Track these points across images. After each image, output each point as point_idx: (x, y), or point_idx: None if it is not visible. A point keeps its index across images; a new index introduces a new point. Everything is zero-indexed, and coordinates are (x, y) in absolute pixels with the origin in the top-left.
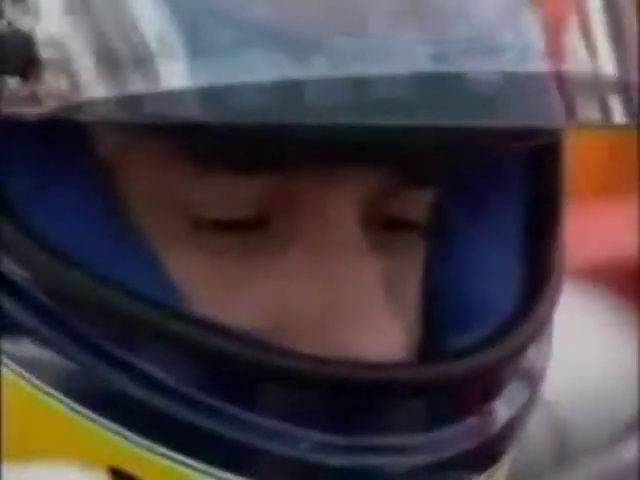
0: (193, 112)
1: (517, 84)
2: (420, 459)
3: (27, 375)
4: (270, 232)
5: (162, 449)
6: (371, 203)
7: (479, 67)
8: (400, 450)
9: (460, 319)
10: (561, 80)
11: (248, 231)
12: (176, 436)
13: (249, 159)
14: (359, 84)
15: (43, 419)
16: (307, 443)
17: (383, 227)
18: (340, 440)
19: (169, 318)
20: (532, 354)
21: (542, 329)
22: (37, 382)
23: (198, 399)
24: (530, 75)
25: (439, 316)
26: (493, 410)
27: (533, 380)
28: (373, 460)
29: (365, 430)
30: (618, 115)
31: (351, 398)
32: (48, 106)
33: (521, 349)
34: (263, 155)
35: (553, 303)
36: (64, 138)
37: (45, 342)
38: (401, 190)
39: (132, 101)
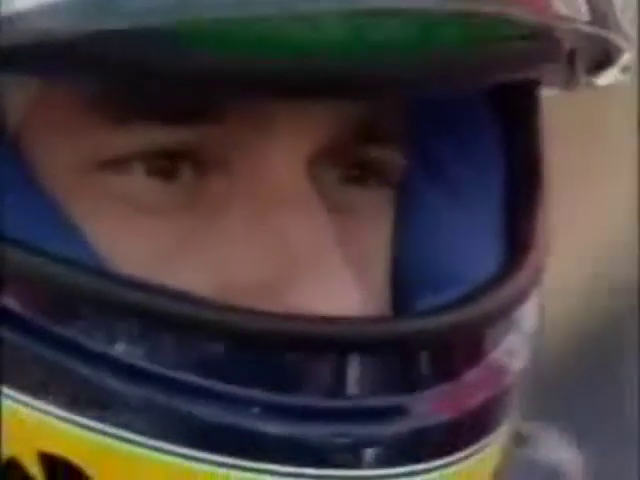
0: (78, 20)
1: None
2: (392, 428)
3: None
4: (208, 191)
5: (94, 423)
6: (322, 156)
7: None
8: (367, 415)
9: (430, 284)
10: None
11: (184, 191)
12: (107, 406)
13: (171, 104)
14: None
15: None
16: (256, 407)
17: (340, 182)
18: (291, 400)
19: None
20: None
21: (518, 301)
22: None
23: (135, 364)
24: None
25: (407, 282)
26: (465, 380)
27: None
28: (330, 428)
29: (319, 391)
30: None
31: (303, 355)
32: None
33: (494, 315)
34: (186, 98)
35: (533, 278)
36: None
37: None
38: (355, 142)
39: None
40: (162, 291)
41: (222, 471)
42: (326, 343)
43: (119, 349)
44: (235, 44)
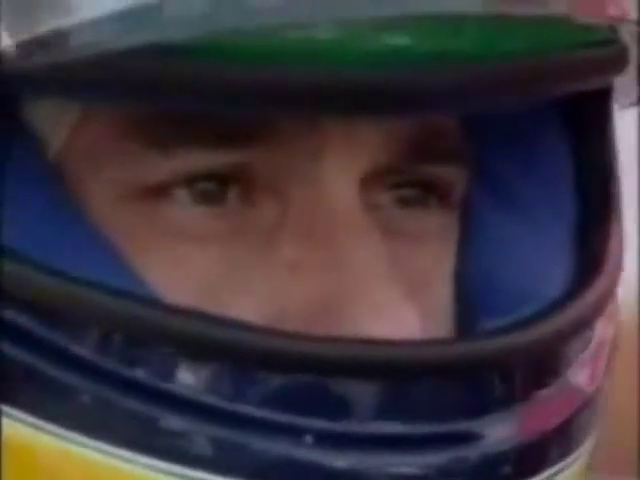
0: (118, 34)
1: None
2: (461, 454)
3: None
4: (258, 217)
5: (123, 452)
6: (377, 177)
7: None
8: (434, 442)
9: (497, 305)
10: None
11: (232, 217)
12: (148, 438)
13: (216, 125)
14: None
15: None
16: (310, 436)
17: (398, 205)
18: (349, 427)
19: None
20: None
21: (591, 318)
22: None
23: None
24: None
25: (474, 304)
26: (536, 403)
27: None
28: (388, 458)
29: (381, 416)
30: None
31: (366, 380)
32: None
33: (565, 333)
34: (232, 119)
35: (606, 294)
36: (8, 138)
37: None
38: (412, 161)
39: (45, 41)
40: (215, 320)
41: None
42: (389, 367)
43: (178, 383)
44: (285, 56)
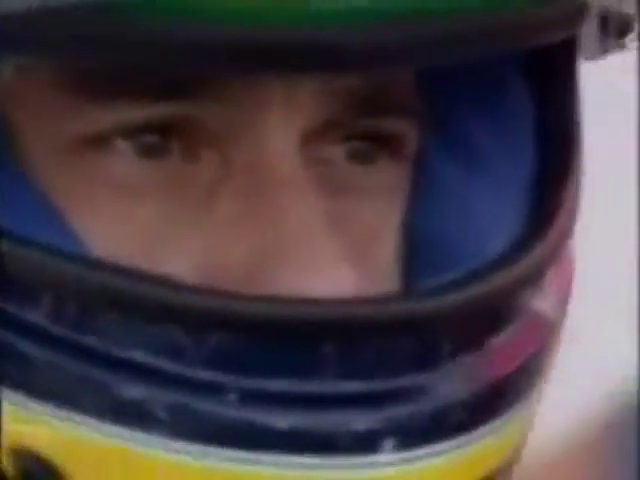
0: None
1: None
2: (392, 411)
3: None
4: (198, 172)
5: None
6: (322, 132)
7: None
8: (364, 400)
9: (439, 261)
10: None
11: (172, 172)
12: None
13: (156, 78)
14: None
15: None
16: (237, 394)
17: (347, 160)
18: (285, 387)
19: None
20: (535, 300)
21: (542, 270)
22: None
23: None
24: None
25: (418, 260)
26: (490, 347)
27: (543, 329)
28: (332, 418)
29: (312, 374)
30: None
31: (309, 339)
32: None
33: (515, 285)
34: (171, 72)
35: (557, 245)
36: None
37: None
38: (360, 115)
39: None
40: (145, 277)
41: (223, 465)
42: (332, 325)
43: (120, 346)
44: (223, 13)
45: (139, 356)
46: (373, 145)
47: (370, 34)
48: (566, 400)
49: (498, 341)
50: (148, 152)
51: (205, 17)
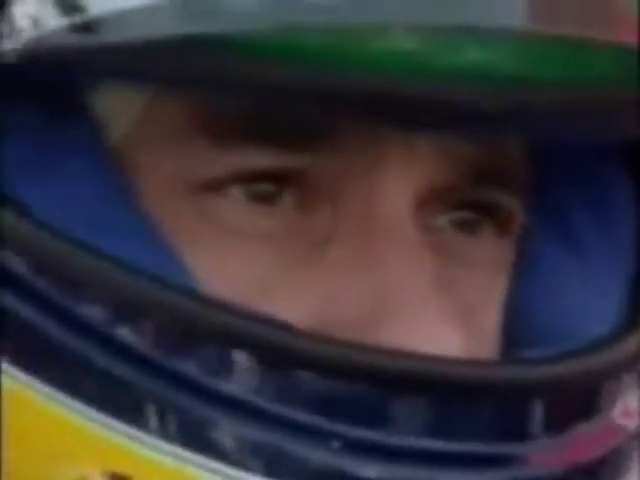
0: (167, 25)
1: None
2: (495, 476)
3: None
4: (312, 221)
5: (166, 446)
6: (434, 196)
7: None
8: (472, 461)
9: (542, 339)
10: None
11: (286, 219)
12: (187, 432)
13: (279, 125)
14: None
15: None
16: (338, 441)
17: (453, 227)
18: (376, 437)
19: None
20: (625, 396)
21: (637, 359)
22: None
23: (215, 388)
24: None
25: (518, 335)
26: (575, 435)
27: (625, 430)
28: (420, 474)
29: (407, 429)
30: None
31: (407, 393)
32: (18, 41)
33: (609, 370)
34: (295, 122)
35: None
36: (72, 121)
37: (47, 336)
38: (470, 184)
39: (90, 25)
40: (269, 322)
41: None
42: (432, 382)
43: (232, 384)
44: (353, 62)
45: (251, 399)
46: (481, 217)
47: (489, 96)
48: None
49: (586, 427)
50: (261, 199)
51: (341, 67)
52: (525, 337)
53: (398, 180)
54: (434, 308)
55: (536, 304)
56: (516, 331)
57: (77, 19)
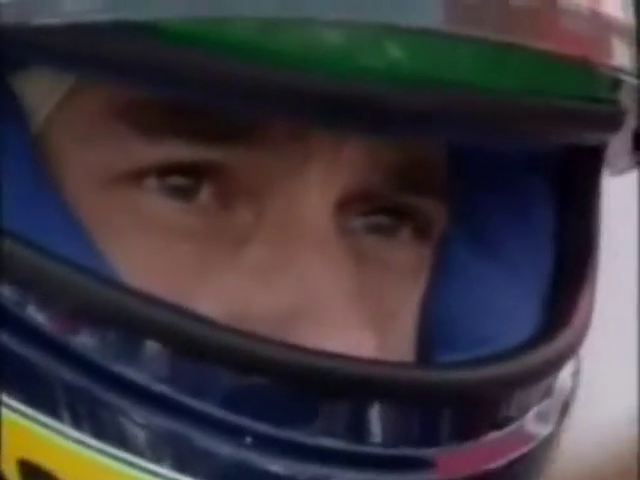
0: (100, 6)
1: None
2: (403, 477)
3: None
4: (232, 219)
5: (78, 434)
6: (353, 200)
7: None
8: (348, 459)
9: (457, 343)
10: None
11: (205, 215)
12: (94, 420)
13: (201, 121)
14: None
15: None
16: (249, 437)
17: (371, 231)
18: (288, 435)
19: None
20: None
21: (549, 368)
22: None
23: (127, 377)
24: None
25: (434, 339)
26: (486, 442)
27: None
28: (325, 472)
29: (319, 429)
30: None
31: (322, 393)
32: None
33: (522, 378)
34: (222, 116)
35: (568, 349)
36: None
37: None
38: (389, 188)
39: (20, 3)
40: (185, 313)
41: None
42: (340, 382)
43: (144, 374)
44: (282, 56)
45: (163, 389)
46: (399, 221)
47: (416, 95)
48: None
49: (496, 435)
50: (178, 194)
51: (266, 60)
52: (444, 342)
53: (323, 182)
54: (349, 312)
55: (455, 308)
56: (435, 336)
57: None
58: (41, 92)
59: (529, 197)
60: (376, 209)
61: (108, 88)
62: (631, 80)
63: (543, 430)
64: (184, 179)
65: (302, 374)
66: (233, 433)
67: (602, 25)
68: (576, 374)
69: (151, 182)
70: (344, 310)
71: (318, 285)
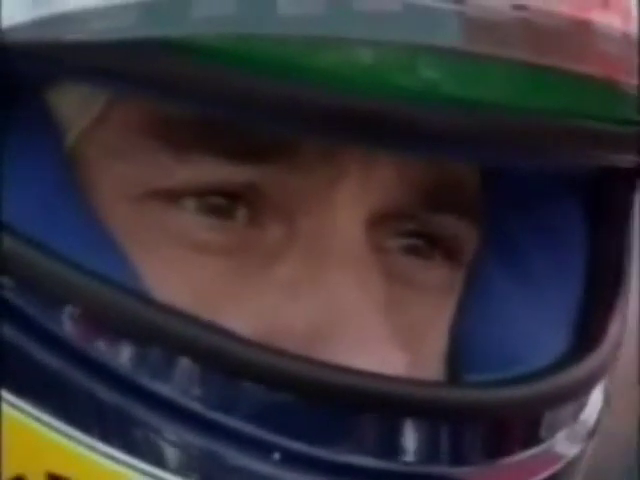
0: (133, 23)
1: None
2: None
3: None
4: (264, 236)
5: (107, 448)
6: (386, 220)
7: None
8: (373, 475)
9: (487, 365)
10: None
11: (238, 232)
12: (125, 435)
13: (234, 140)
14: None
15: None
16: (278, 453)
17: (403, 252)
18: (318, 452)
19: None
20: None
21: (578, 390)
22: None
23: (158, 392)
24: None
25: (465, 361)
26: (514, 461)
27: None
28: None
29: (349, 446)
30: None
31: (349, 410)
32: None
33: (552, 399)
34: (253, 135)
35: (598, 370)
36: (30, 124)
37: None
38: (423, 209)
39: (54, 21)
40: (214, 329)
41: None
42: (374, 400)
43: (175, 390)
44: (315, 75)
45: (193, 405)
46: (431, 243)
47: (446, 115)
48: None
49: (524, 456)
50: (215, 213)
51: (298, 79)
52: (473, 362)
53: (353, 201)
54: (379, 329)
55: (484, 329)
56: (462, 356)
57: (43, 13)
58: (76, 106)
59: (561, 219)
60: (410, 232)
61: (141, 104)
62: None
63: (571, 450)
64: (219, 199)
65: (331, 391)
66: (262, 449)
67: (631, 46)
68: (606, 398)
69: (188, 202)
70: (374, 328)
71: (348, 302)
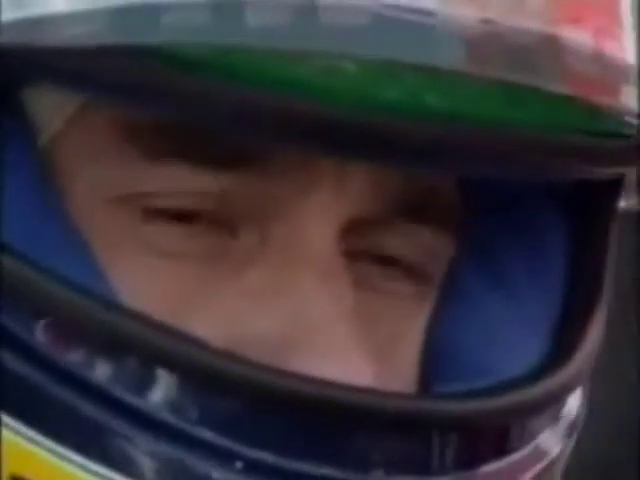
0: (103, 29)
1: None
2: None
3: None
4: (235, 243)
5: (74, 456)
6: (359, 228)
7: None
8: None
9: (461, 374)
10: None
11: (207, 238)
12: (90, 441)
13: (207, 147)
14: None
15: None
16: (241, 462)
17: (376, 260)
18: (281, 462)
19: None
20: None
21: (552, 399)
22: None
23: (127, 402)
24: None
25: (437, 369)
26: (484, 472)
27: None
28: None
29: (314, 457)
30: None
31: (323, 421)
32: None
33: (523, 409)
34: (227, 142)
35: (573, 379)
36: (5, 123)
37: None
38: (396, 219)
39: (28, 24)
40: (180, 337)
41: None
42: (336, 410)
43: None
44: (296, 86)
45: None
46: (403, 251)
47: (424, 127)
48: None
49: (496, 465)
50: (183, 219)
51: (269, 88)
52: (447, 371)
53: (326, 209)
54: (347, 339)
55: (460, 338)
56: (439, 365)
57: (18, 15)
58: (50, 108)
59: (541, 226)
60: (381, 242)
61: (116, 110)
62: (632, 120)
63: (553, 450)
64: (192, 205)
65: (294, 401)
66: (225, 458)
67: (607, 66)
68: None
69: (154, 206)
70: (342, 338)
71: (316, 312)
